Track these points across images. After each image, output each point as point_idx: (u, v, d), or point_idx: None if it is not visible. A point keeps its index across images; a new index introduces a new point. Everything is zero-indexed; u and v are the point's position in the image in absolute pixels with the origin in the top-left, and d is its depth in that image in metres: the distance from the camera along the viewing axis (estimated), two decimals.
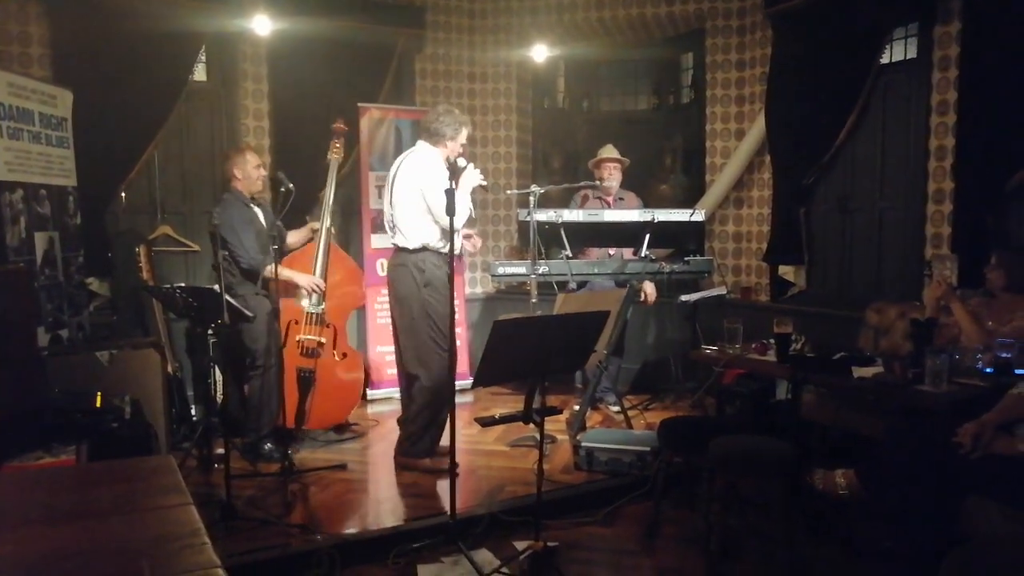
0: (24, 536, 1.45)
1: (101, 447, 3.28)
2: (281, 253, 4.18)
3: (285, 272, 3.99)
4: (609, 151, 5.15)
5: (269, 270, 4.05)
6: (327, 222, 4.43)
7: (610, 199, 5.10)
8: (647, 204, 5.27)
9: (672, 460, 3.50)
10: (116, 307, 4.98)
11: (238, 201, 4.19)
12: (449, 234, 3.18)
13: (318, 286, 4.32)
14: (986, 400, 2.94)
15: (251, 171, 4.21)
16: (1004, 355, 3.05)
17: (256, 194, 4.29)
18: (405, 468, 3.99)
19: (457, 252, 3.82)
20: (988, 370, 3.13)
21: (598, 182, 5.08)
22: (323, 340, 4.38)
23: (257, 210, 4.27)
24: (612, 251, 5.04)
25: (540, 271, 4.42)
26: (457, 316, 4.50)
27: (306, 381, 4.33)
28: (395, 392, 5.39)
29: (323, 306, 4.37)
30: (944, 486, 2.70)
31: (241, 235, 4.10)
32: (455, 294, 3.49)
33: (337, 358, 4.43)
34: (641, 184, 5.83)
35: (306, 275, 4.31)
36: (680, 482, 3.66)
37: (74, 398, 3.55)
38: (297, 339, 4.32)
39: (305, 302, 4.35)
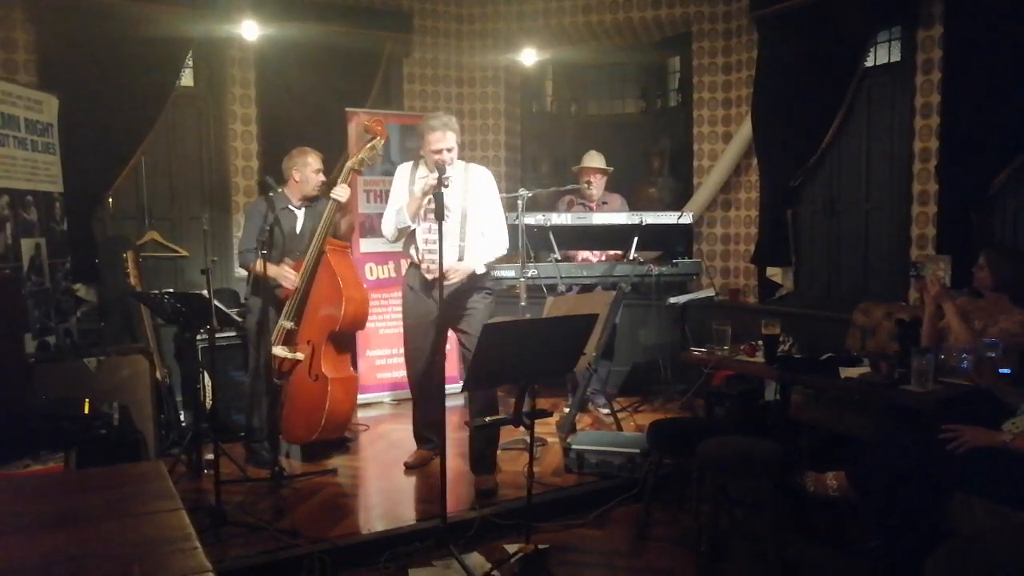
0: (14, 542, 1.44)
1: (89, 454, 3.25)
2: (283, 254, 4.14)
3: (269, 269, 3.89)
4: (591, 159, 5.13)
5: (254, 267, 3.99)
6: (322, 231, 4.08)
7: (593, 205, 5.11)
8: (635, 207, 5.28)
9: (662, 462, 3.51)
10: (103, 313, 4.95)
11: (272, 201, 4.00)
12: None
13: (293, 285, 4.07)
14: (971, 399, 2.97)
15: (310, 175, 4.17)
16: (989, 355, 3.08)
17: (309, 197, 4.23)
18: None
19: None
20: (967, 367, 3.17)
21: (584, 185, 5.09)
22: (298, 357, 4.13)
23: (298, 213, 4.21)
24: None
25: (529, 274, 4.43)
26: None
27: (276, 393, 4.13)
28: (385, 396, 5.42)
29: (293, 323, 4.13)
30: (931, 484, 2.73)
31: (244, 229, 4.16)
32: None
33: (312, 380, 4.13)
34: (629, 187, 5.85)
35: (286, 273, 4.07)
36: (670, 484, 3.68)
37: (62, 405, 3.52)
38: (274, 351, 4.13)
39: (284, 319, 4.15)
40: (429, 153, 3.72)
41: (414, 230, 3.83)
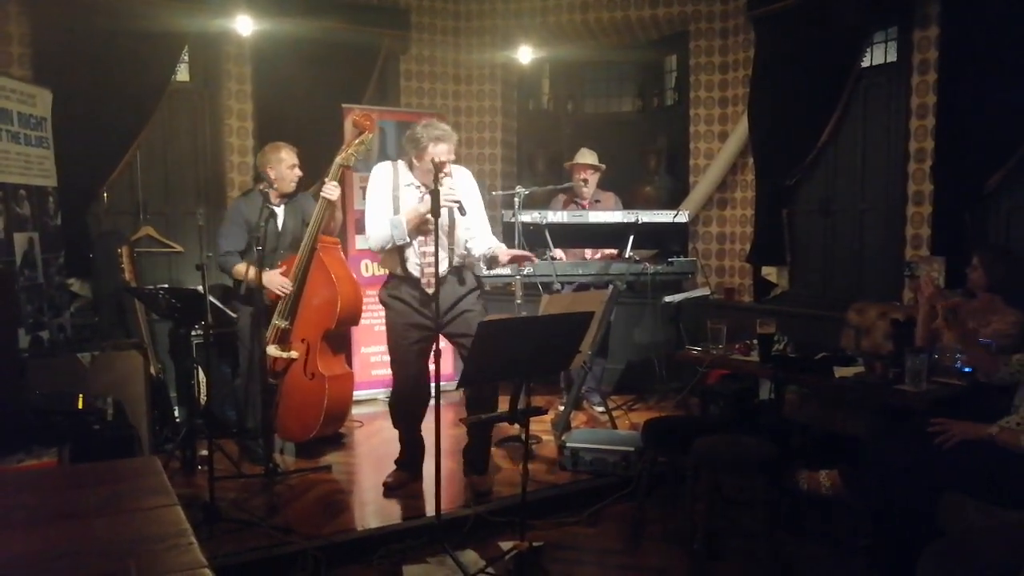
0: (9, 538, 1.44)
1: (83, 449, 3.25)
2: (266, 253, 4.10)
3: (252, 273, 3.85)
4: (583, 155, 5.11)
5: (238, 271, 4.00)
6: (313, 229, 4.06)
7: (585, 203, 5.10)
8: (631, 205, 5.28)
9: (656, 460, 3.52)
10: (98, 308, 4.94)
11: (254, 198, 4.01)
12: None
13: (282, 287, 4.04)
14: (964, 399, 2.99)
15: (285, 171, 4.09)
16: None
17: (286, 193, 4.15)
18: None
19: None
20: (967, 369, 3.18)
21: (580, 183, 5.07)
22: (292, 355, 4.11)
23: (278, 210, 4.12)
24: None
25: (525, 272, 4.43)
26: None
27: (271, 393, 4.10)
28: (379, 393, 5.41)
29: (287, 321, 4.11)
30: (924, 483, 2.74)
31: (223, 229, 4.10)
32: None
33: (308, 378, 4.14)
34: (625, 185, 5.85)
35: (278, 280, 4.05)
36: (664, 482, 3.68)
37: (55, 400, 3.51)
38: (267, 350, 4.10)
39: (276, 318, 4.11)
40: (432, 164, 3.34)
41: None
